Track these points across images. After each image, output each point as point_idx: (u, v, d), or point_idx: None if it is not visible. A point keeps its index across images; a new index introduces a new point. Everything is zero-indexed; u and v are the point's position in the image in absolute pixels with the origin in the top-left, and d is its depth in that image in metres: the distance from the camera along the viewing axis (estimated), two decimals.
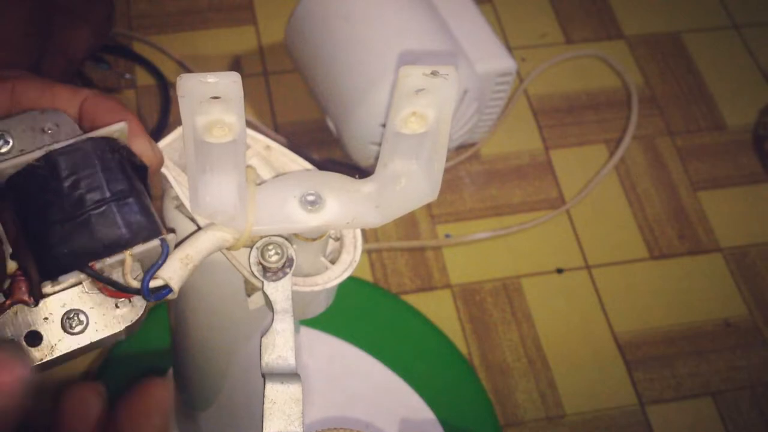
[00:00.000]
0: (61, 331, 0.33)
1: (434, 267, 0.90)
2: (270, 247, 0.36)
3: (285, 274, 0.36)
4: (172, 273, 0.34)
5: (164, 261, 0.34)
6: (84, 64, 0.94)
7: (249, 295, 0.42)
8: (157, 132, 0.95)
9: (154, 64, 1.00)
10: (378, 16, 0.85)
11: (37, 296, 0.33)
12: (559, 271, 0.91)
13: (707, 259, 0.93)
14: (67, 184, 0.33)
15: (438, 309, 0.87)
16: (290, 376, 0.34)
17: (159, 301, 0.34)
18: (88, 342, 0.33)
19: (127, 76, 0.99)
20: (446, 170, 0.96)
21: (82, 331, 0.33)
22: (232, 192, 0.36)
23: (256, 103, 0.99)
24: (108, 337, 0.34)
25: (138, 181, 0.35)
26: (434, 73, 0.32)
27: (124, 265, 0.33)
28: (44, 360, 0.33)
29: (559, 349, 0.87)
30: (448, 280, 0.89)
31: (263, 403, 0.33)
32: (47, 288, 0.33)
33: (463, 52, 0.86)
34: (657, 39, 1.10)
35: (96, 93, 0.37)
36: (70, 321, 0.33)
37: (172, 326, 0.53)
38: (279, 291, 0.36)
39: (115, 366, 0.79)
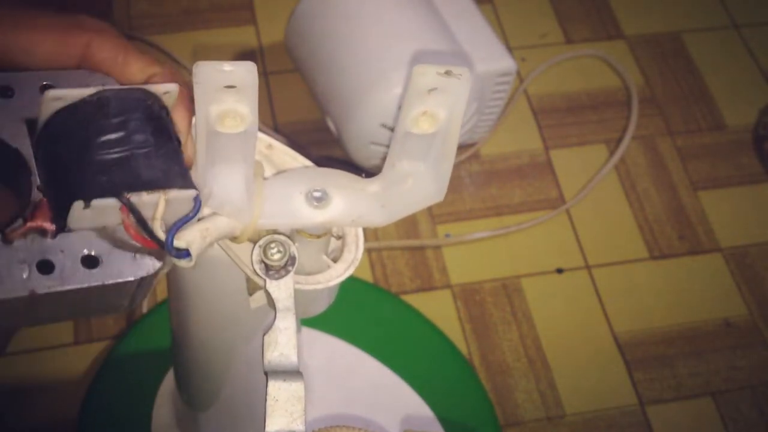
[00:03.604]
0: (75, 265, 0.33)
1: (434, 267, 0.90)
2: (272, 245, 0.36)
3: (287, 272, 0.36)
4: (192, 240, 0.34)
5: (194, 215, 0.34)
6: None
7: (251, 294, 0.42)
8: None
9: None
10: (378, 16, 0.85)
11: (60, 226, 0.33)
12: (559, 271, 0.91)
13: (707, 259, 0.93)
14: (114, 121, 0.33)
15: (438, 309, 0.87)
16: (292, 373, 0.34)
17: (176, 260, 0.34)
18: (99, 283, 0.33)
19: None
20: None
21: (95, 271, 0.33)
22: (240, 184, 0.36)
23: None
24: (115, 291, 0.33)
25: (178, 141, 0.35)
26: (448, 73, 0.32)
27: (157, 209, 0.33)
28: (53, 289, 0.32)
29: (559, 349, 0.87)
30: (448, 280, 0.89)
31: (266, 401, 0.33)
32: (73, 220, 0.32)
33: (463, 52, 0.86)
34: (657, 39, 1.10)
35: (170, 72, 0.36)
36: (85, 259, 0.33)
37: (173, 326, 0.53)
38: (281, 289, 0.36)
39: (116, 366, 0.79)
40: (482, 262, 0.91)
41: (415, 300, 0.87)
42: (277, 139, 0.42)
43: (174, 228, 0.33)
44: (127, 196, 0.32)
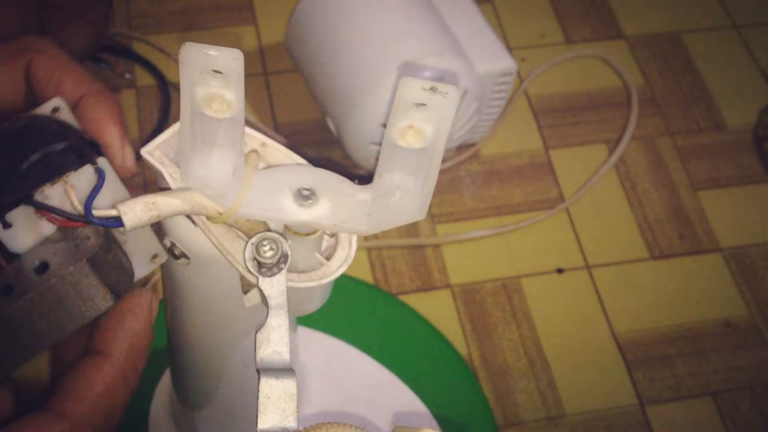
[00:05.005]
0: (30, 276, 0.35)
1: (434, 267, 0.90)
2: (265, 242, 0.36)
3: (280, 269, 0.36)
4: (129, 210, 0.35)
5: (102, 183, 0.36)
6: (82, 63, 0.94)
7: (245, 293, 0.42)
8: (157, 132, 0.95)
9: (154, 64, 1.00)
10: (378, 16, 0.85)
11: (7, 256, 0.35)
12: (559, 271, 0.91)
13: (707, 259, 0.93)
14: (9, 154, 0.35)
15: (438, 309, 0.87)
16: (285, 371, 0.34)
17: (108, 227, 0.36)
18: (54, 281, 0.34)
19: (127, 76, 0.99)
20: (446, 170, 0.96)
21: (48, 276, 0.35)
22: (226, 169, 0.36)
23: (256, 103, 0.99)
24: (74, 285, 0.35)
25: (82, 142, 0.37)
26: (433, 89, 0.32)
27: (68, 194, 0.35)
28: (20, 305, 0.34)
29: (559, 349, 0.87)
30: (448, 280, 0.89)
31: (258, 398, 0.33)
32: (9, 242, 0.35)
33: (463, 52, 0.86)
34: (657, 39, 1.10)
35: (99, 91, 0.39)
36: (37, 269, 0.35)
37: (168, 325, 0.53)
38: (274, 287, 0.36)
39: None
40: (482, 263, 0.91)
41: (415, 300, 0.87)
42: (276, 140, 0.42)
43: (88, 200, 0.35)
44: (33, 198, 0.35)
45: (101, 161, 0.37)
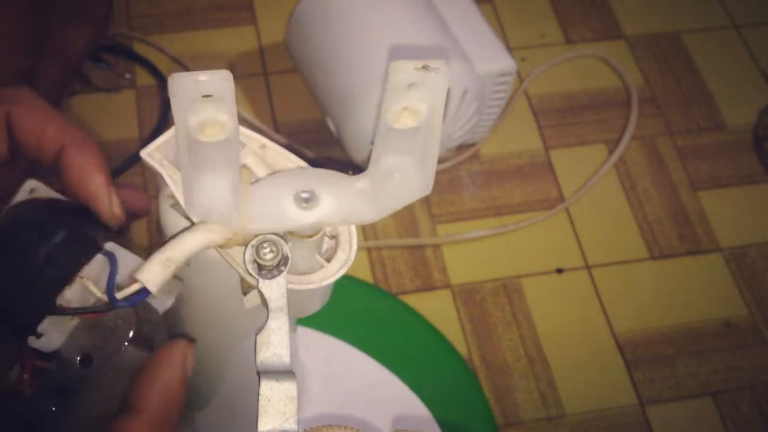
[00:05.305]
0: (79, 371, 0.35)
1: (434, 267, 0.90)
2: (265, 245, 0.36)
3: (280, 272, 0.36)
4: (149, 275, 0.35)
5: (116, 268, 0.35)
6: (82, 63, 0.94)
7: (245, 294, 0.42)
8: (157, 132, 0.95)
9: (154, 64, 1.00)
10: (378, 16, 0.85)
11: (44, 357, 0.35)
12: (559, 271, 0.91)
13: (707, 259, 0.93)
14: (8, 262, 0.35)
15: (438, 309, 0.87)
16: (285, 373, 0.34)
17: (136, 303, 0.35)
18: (105, 372, 0.35)
19: (127, 76, 0.99)
20: (446, 170, 0.96)
21: (97, 368, 0.35)
22: (226, 191, 0.36)
23: (256, 103, 0.99)
24: (126, 361, 0.36)
25: (72, 216, 0.36)
26: (425, 67, 0.32)
27: (88, 289, 0.35)
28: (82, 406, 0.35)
29: (559, 349, 0.87)
30: (448, 280, 0.89)
31: (258, 401, 0.33)
32: (46, 346, 0.35)
33: (463, 52, 0.86)
34: (657, 39, 1.10)
35: (81, 138, 0.39)
36: (83, 364, 0.35)
37: (168, 326, 0.53)
38: (274, 289, 0.36)
39: None
40: (482, 263, 0.91)
41: (415, 300, 0.87)
42: (276, 140, 0.42)
43: (109, 289, 0.35)
44: (57, 305, 0.34)
45: (109, 245, 0.36)
